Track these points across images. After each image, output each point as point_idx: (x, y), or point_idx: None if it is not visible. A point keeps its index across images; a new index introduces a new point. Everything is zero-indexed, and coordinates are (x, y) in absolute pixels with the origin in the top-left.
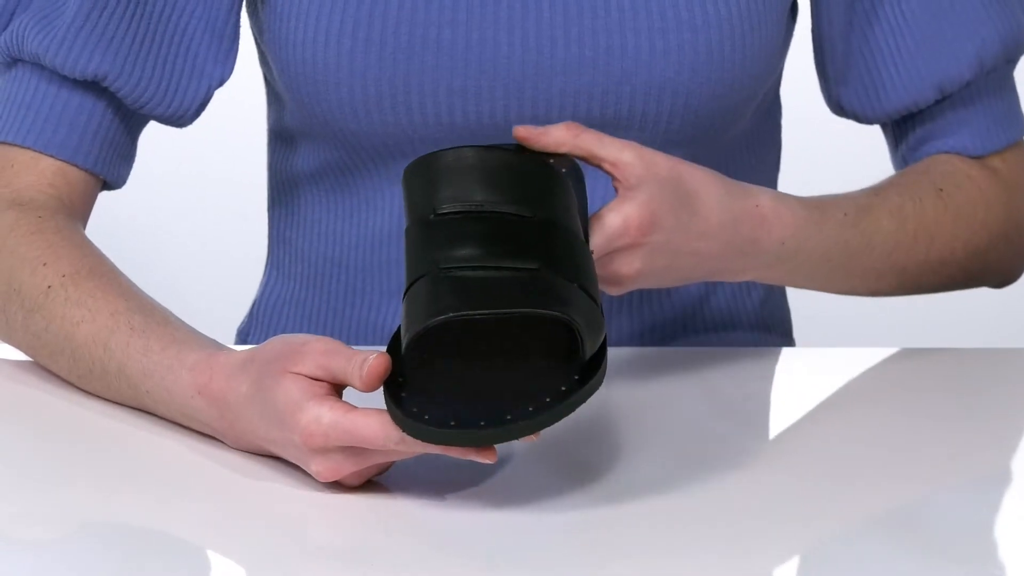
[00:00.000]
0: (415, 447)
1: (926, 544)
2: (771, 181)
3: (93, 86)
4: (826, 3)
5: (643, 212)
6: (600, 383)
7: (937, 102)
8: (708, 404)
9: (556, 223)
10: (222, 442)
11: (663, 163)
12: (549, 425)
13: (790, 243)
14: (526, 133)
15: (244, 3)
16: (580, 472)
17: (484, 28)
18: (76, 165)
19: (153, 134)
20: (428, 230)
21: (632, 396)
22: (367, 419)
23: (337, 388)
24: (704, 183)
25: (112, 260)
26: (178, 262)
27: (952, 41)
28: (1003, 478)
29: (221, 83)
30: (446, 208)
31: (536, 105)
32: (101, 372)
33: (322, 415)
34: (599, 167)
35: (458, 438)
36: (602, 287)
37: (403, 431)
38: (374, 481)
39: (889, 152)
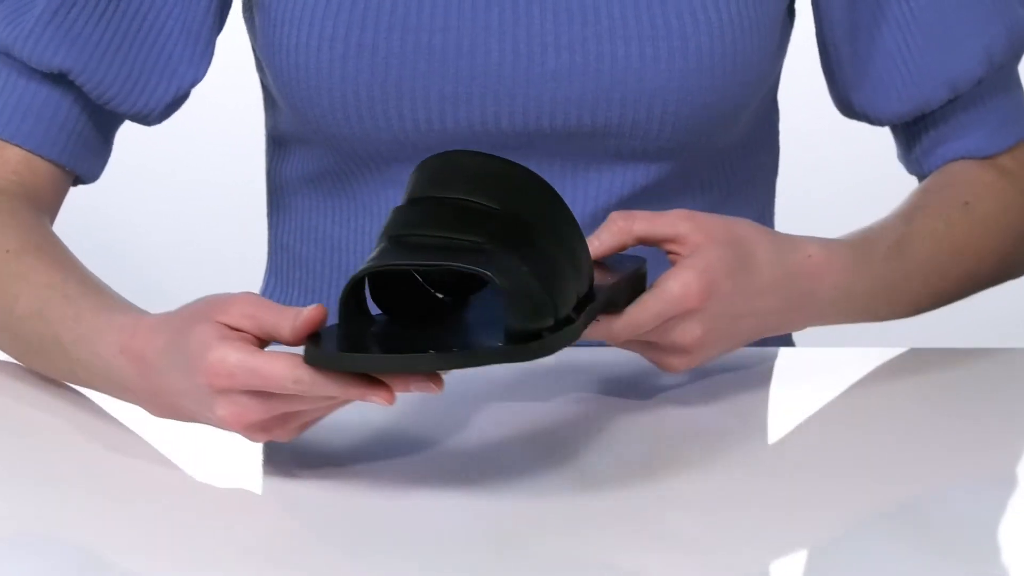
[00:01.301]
0: (315, 386)
1: (926, 543)
2: (769, 185)
3: (61, 80)
4: (827, 7)
5: (702, 279)
6: (531, 355)
7: (949, 102)
8: (707, 404)
9: (523, 220)
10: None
11: (719, 227)
12: (447, 368)
13: (842, 289)
14: None
15: (239, 9)
16: (577, 472)
17: (475, 34)
18: (42, 156)
19: (158, 140)
20: (397, 212)
21: (631, 396)
22: (274, 358)
23: (261, 342)
24: (757, 242)
25: (114, 266)
26: (178, 270)
27: (962, 38)
28: (1004, 478)
29: (193, 84)
30: (418, 195)
31: (527, 112)
32: (39, 345)
33: (228, 355)
34: (658, 246)
35: (352, 363)
36: (668, 360)
37: (305, 361)
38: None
39: (900, 154)
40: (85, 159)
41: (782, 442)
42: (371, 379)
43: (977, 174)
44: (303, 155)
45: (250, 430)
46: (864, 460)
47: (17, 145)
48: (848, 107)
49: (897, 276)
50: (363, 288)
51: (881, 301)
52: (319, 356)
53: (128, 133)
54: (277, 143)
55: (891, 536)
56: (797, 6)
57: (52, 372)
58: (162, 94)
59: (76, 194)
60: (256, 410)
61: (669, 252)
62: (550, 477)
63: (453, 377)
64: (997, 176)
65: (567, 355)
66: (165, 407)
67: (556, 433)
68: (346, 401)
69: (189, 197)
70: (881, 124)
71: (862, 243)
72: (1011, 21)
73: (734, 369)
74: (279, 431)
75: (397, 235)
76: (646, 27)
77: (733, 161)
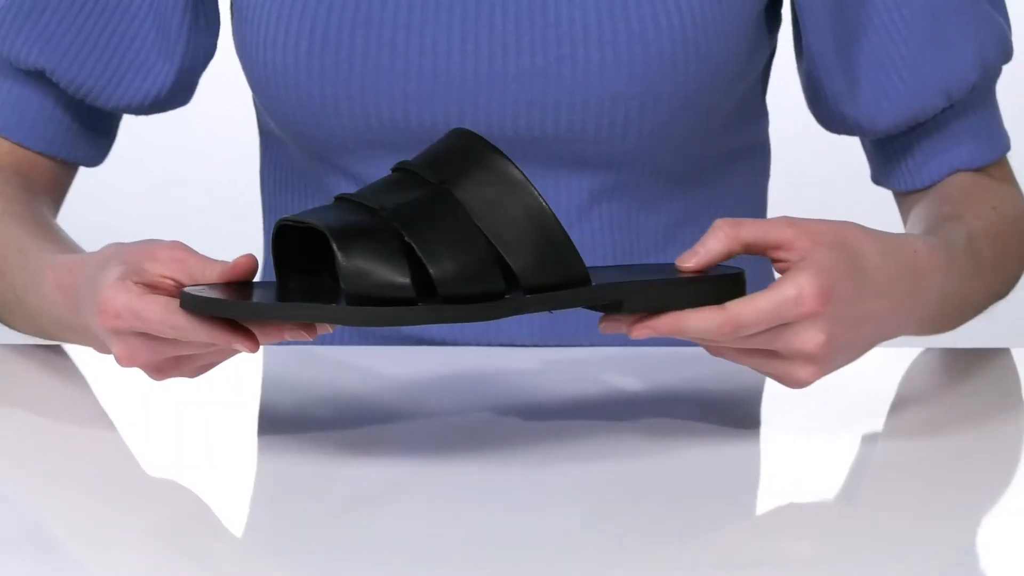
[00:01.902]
0: (188, 331)
1: (925, 545)
2: (759, 189)
3: (41, 75)
4: (811, 16)
5: (819, 281)
6: (352, 318)
7: (943, 110)
8: (704, 404)
9: (453, 198)
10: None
11: (826, 230)
12: (282, 317)
13: (942, 288)
14: (689, 262)
15: (228, 7)
16: (572, 473)
17: (437, 33)
18: (29, 148)
19: (155, 139)
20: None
21: (627, 396)
22: (153, 302)
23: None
24: (865, 241)
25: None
26: None
27: (956, 43)
28: (1003, 478)
29: (170, 78)
30: (395, 167)
31: (490, 114)
32: (3, 302)
33: (117, 295)
34: (764, 254)
35: (212, 307)
36: (793, 372)
37: (180, 305)
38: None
39: (878, 171)
40: (78, 148)
41: (779, 442)
42: (243, 327)
43: (985, 183)
44: (284, 153)
45: (146, 369)
46: (862, 460)
47: (5, 137)
48: (838, 120)
49: (970, 276)
50: (294, 244)
51: (956, 304)
52: (189, 300)
53: (124, 132)
54: (265, 141)
55: (888, 537)
56: (784, 12)
57: (24, 329)
58: (137, 88)
59: (70, 192)
60: (144, 351)
61: (776, 261)
62: (537, 479)
63: (455, 370)
64: (999, 185)
65: (572, 355)
66: (97, 343)
67: (548, 432)
68: (234, 348)
69: (185, 196)
70: (874, 136)
71: (945, 241)
72: (996, 26)
73: (732, 368)
74: (175, 371)
75: (342, 196)
76: (607, 31)
77: (717, 165)
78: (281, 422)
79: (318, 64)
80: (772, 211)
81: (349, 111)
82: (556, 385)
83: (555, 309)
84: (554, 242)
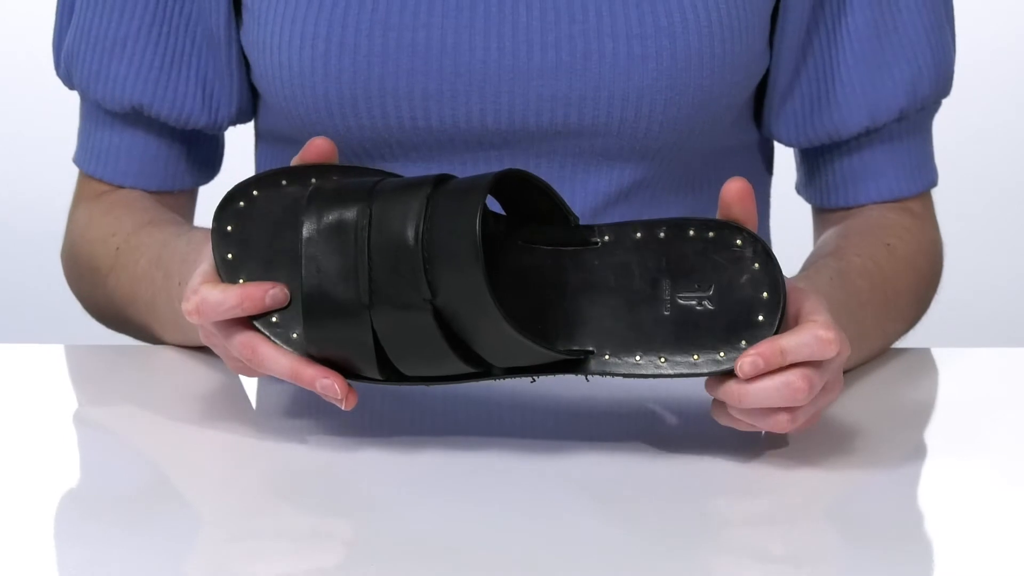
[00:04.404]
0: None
1: (923, 548)
2: (763, 185)
3: (134, 116)
4: (794, 22)
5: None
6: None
7: (868, 133)
8: (702, 404)
9: (429, 314)
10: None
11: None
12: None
13: None
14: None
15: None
16: (571, 474)
17: (459, 31)
18: (143, 190)
19: None
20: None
21: (627, 396)
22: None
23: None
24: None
25: None
26: None
27: (891, 64)
28: (1004, 479)
29: (233, 84)
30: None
31: (513, 110)
32: (154, 289)
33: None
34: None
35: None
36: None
37: None
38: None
39: (800, 182)
40: (187, 176)
41: (777, 442)
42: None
43: (894, 218)
44: (289, 153)
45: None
46: (861, 460)
47: (118, 185)
48: (766, 127)
49: (846, 305)
50: None
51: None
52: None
53: None
54: (265, 140)
55: (887, 538)
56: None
57: (167, 315)
58: (228, 101)
59: (62, 193)
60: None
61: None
62: (537, 480)
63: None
64: (911, 220)
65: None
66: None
67: (546, 433)
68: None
69: None
70: (798, 145)
71: (807, 275)
72: (940, 58)
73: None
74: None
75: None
76: (634, 25)
77: (724, 161)
78: (283, 419)
79: (335, 65)
80: (775, 203)
81: (368, 111)
82: (559, 384)
83: (536, 376)
84: (492, 335)
